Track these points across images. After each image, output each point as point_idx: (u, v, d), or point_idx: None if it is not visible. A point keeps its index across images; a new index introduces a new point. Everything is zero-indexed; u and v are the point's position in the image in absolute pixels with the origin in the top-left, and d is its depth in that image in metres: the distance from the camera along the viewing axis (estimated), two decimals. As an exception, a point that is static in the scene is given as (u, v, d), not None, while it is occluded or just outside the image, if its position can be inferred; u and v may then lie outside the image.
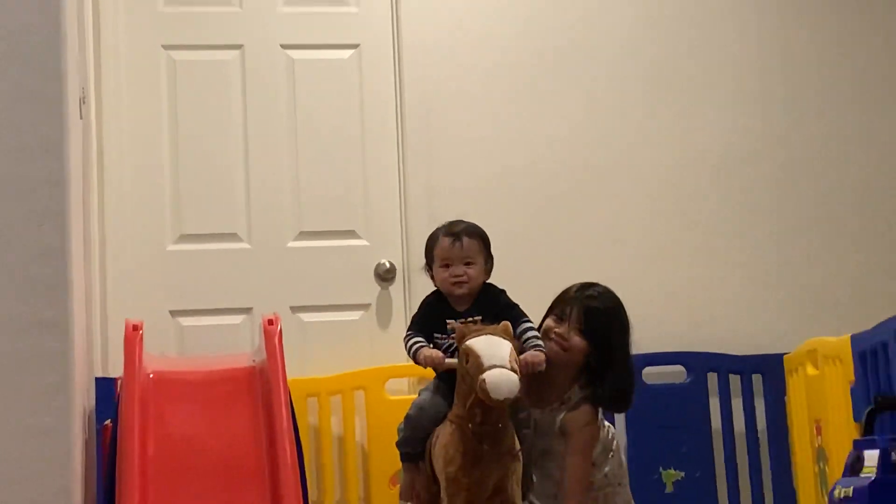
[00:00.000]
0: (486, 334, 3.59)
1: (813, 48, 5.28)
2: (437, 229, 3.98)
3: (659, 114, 5.18)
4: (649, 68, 5.19)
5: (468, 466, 3.59)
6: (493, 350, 3.52)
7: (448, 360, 3.72)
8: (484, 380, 3.43)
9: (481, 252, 3.89)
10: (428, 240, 3.99)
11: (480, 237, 3.92)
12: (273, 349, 3.71)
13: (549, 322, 3.92)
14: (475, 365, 3.49)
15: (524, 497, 3.82)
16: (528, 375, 3.69)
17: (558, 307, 3.93)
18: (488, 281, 3.88)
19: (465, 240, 3.87)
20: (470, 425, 3.57)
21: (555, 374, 3.86)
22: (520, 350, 3.66)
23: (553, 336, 3.88)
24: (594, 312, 3.89)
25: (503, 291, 3.89)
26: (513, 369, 3.48)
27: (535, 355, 3.71)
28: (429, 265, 3.94)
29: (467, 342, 3.57)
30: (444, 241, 3.88)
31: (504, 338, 3.58)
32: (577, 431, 3.87)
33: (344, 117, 5.05)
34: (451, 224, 3.96)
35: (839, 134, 5.26)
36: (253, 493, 3.45)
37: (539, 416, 3.91)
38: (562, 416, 3.87)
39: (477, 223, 3.93)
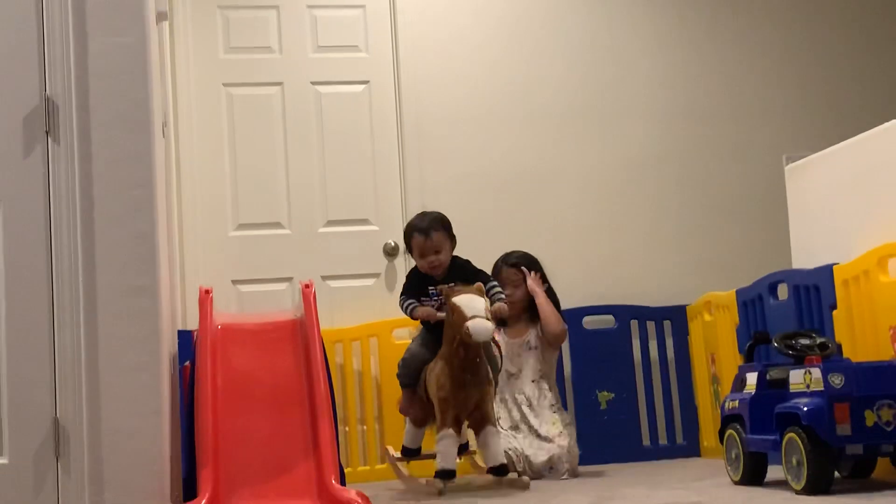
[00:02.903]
0: (465, 293, 3.62)
1: (703, 80, 5.28)
2: (410, 225, 3.92)
3: (585, 131, 5.17)
4: (577, 98, 5.18)
5: (455, 390, 3.60)
6: (472, 305, 3.54)
7: (439, 314, 3.75)
8: (467, 327, 3.46)
9: (446, 239, 3.87)
10: (404, 234, 3.95)
11: (444, 227, 3.88)
12: (309, 307, 3.69)
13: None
14: (460, 316, 3.51)
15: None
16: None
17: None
18: (454, 254, 3.91)
19: (433, 234, 3.85)
20: (455, 360, 3.59)
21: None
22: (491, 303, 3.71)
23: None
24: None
25: (468, 261, 3.92)
26: (487, 318, 3.52)
27: (500, 306, 3.76)
28: (409, 251, 3.93)
29: (452, 299, 3.59)
30: (418, 238, 3.85)
31: (479, 295, 3.62)
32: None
33: (358, 134, 5.03)
34: (420, 218, 3.91)
35: (722, 138, 5.25)
36: (296, 412, 3.44)
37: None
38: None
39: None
